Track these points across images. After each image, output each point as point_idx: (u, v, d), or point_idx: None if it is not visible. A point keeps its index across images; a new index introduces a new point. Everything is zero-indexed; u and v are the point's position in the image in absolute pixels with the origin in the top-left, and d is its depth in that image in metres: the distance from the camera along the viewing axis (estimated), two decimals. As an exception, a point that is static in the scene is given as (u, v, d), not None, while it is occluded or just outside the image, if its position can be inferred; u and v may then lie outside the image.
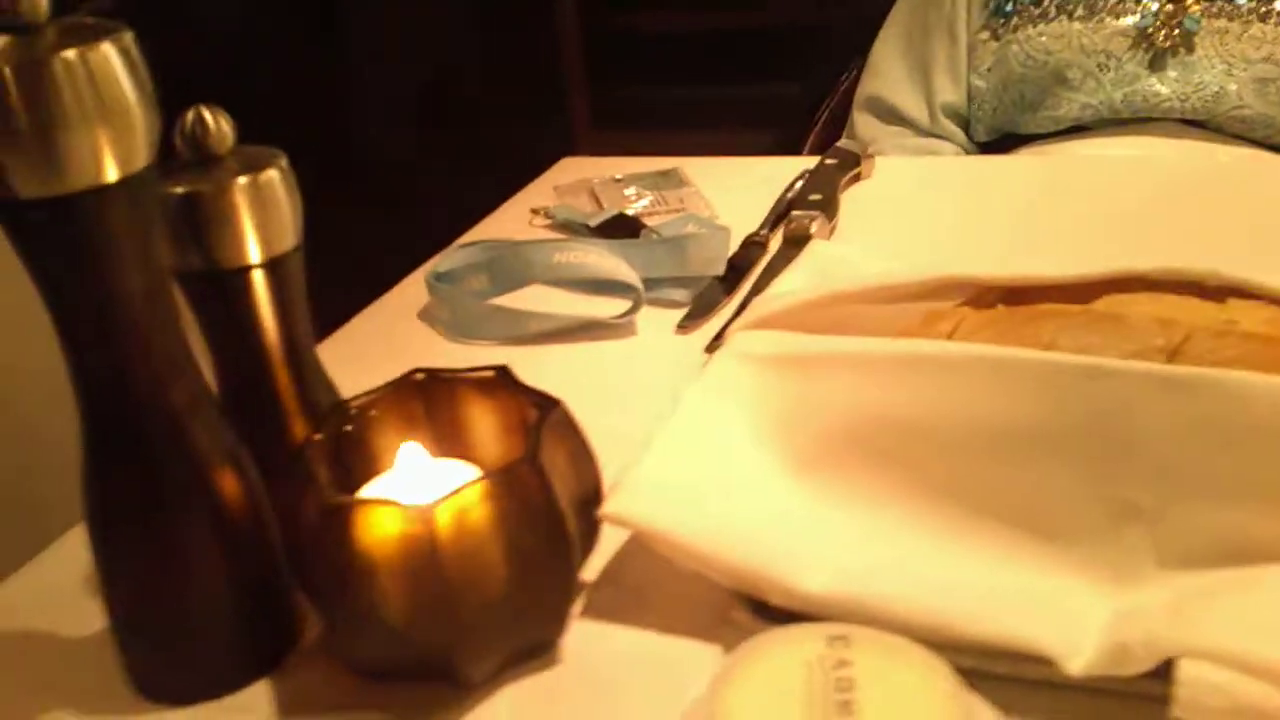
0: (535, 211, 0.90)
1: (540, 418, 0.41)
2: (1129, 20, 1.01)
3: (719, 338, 0.62)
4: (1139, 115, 1.01)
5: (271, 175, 0.44)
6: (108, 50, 0.35)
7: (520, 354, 0.68)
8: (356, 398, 0.45)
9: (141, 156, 0.36)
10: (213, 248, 0.44)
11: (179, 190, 0.43)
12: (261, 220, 0.44)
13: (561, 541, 0.40)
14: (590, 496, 0.43)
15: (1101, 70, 1.01)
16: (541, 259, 0.71)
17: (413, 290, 0.78)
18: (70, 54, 0.34)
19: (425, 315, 0.74)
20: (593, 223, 0.83)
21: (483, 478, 0.38)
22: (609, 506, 0.42)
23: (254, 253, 0.44)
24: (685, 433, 0.45)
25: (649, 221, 0.82)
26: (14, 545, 0.54)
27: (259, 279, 0.45)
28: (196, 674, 0.42)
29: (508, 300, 0.72)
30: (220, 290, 0.45)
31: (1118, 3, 1.02)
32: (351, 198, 2.03)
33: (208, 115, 0.43)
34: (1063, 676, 0.35)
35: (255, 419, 0.46)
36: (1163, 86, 0.99)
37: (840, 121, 1.34)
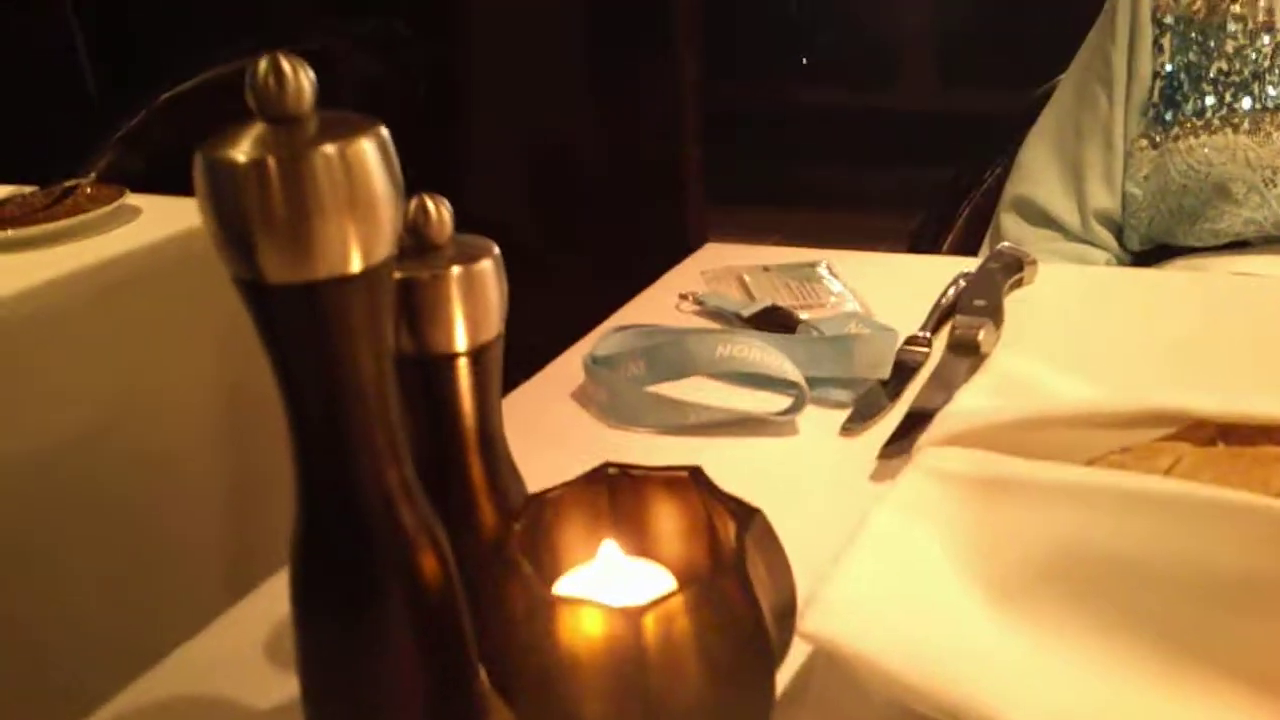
0: (684, 297, 0.90)
1: (742, 526, 0.41)
2: (1295, 134, 0.99)
3: (893, 443, 0.61)
4: (1304, 233, 0.98)
5: (485, 266, 0.45)
6: (365, 145, 0.36)
7: (678, 444, 0.68)
8: (550, 490, 0.45)
9: (385, 247, 0.37)
10: (423, 334, 0.45)
11: (396, 276, 0.44)
12: (471, 309, 0.45)
13: (763, 655, 0.39)
14: (786, 608, 0.42)
15: (1267, 186, 0.99)
16: (704, 351, 0.71)
17: (565, 370, 0.79)
18: (330, 149, 0.35)
19: (580, 397, 0.75)
20: (745, 313, 0.83)
21: (689, 586, 0.38)
22: (806, 625, 0.41)
23: (461, 341, 0.45)
24: (877, 550, 0.44)
25: (801, 315, 0.82)
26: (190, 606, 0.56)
27: (463, 366, 0.45)
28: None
29: (666, 389, 0.72)
30: (425, 375, 0.45)
31: None
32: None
33: (430, 205, 0.45)
34: None
35: (445, 501, 0.47)
36: (1331, 206, 0.97)
37: (975, 220, 1.33)
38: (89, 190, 1.24)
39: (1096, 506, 0.41)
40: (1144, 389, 0.46)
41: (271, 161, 0.35)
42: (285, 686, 0.44)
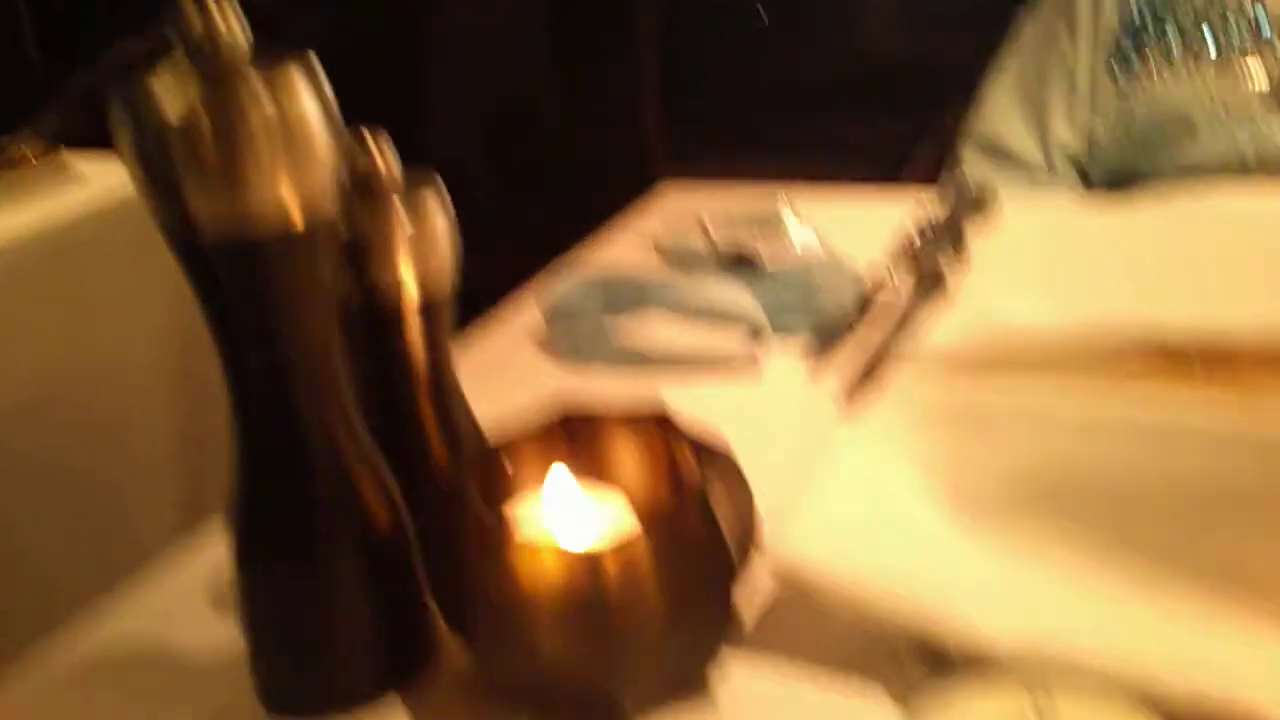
0: (646, 241, 0.88)
1: (706, 461, 0.40)
2: (1260, 74, 0.98)
3: (862, 380, 0.60)
4: (1269, 169, 0.98)
5: (435, 213, 0.43)
6: (294, 76, 0.34)
7: (639, 386, 0.67)
8: (505, 436, 0.44)
9: (325, 196, 0.36)
10: (372, 287, 0.43)
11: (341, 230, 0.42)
12: (421, 259, 0.44)
13: (723, 585, 0.38)
14: (746, 533, 0.41)
15: (1231, 119, 0.98)
16: (664, 289, 0.70)
17: (521, 310, 0.77)
18: (257, 84, 0.34)
19: (539, 338, 0.73)
20: (707, 258, 0.82)
21: (651, 524, 0.37)
22: (777, 559, 0.40)
23: (412, 292, 0.44)
24: (845, 478, 0.43)
25: (764, 259, 0.81)
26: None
27: (414, 318, 0.44)
28: (329, 688, 0.41)
29: (626, 326, 0.70)
30: (375, 329, 0.44)
31: (1249, 55, 0.99)
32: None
33: (372, 144, 0.43)
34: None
35: (398, 448, 0.45)
36: (1295, 141, 0.96)
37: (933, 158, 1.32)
38: (24, 150, 1.20)
39: (1074, 431, 0.40)
40: (1114, 312, 0.46)
41: (202, 111, 0.33)
42: (229, 628, 0.42)
